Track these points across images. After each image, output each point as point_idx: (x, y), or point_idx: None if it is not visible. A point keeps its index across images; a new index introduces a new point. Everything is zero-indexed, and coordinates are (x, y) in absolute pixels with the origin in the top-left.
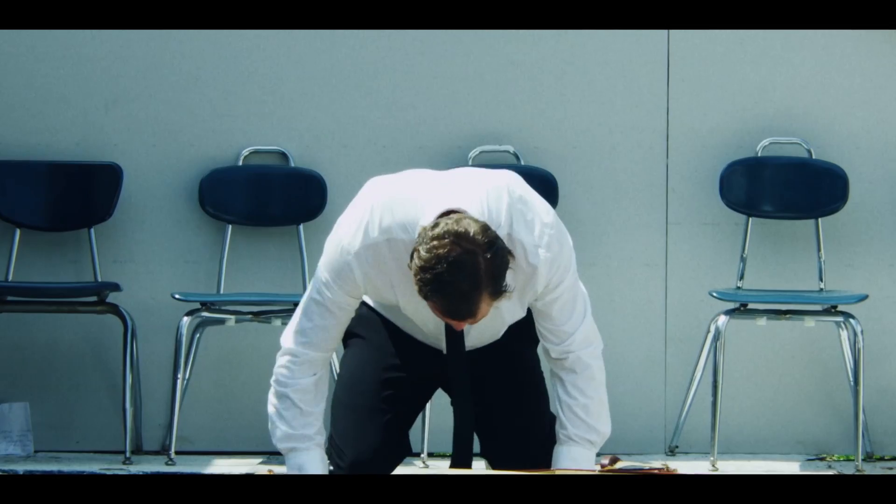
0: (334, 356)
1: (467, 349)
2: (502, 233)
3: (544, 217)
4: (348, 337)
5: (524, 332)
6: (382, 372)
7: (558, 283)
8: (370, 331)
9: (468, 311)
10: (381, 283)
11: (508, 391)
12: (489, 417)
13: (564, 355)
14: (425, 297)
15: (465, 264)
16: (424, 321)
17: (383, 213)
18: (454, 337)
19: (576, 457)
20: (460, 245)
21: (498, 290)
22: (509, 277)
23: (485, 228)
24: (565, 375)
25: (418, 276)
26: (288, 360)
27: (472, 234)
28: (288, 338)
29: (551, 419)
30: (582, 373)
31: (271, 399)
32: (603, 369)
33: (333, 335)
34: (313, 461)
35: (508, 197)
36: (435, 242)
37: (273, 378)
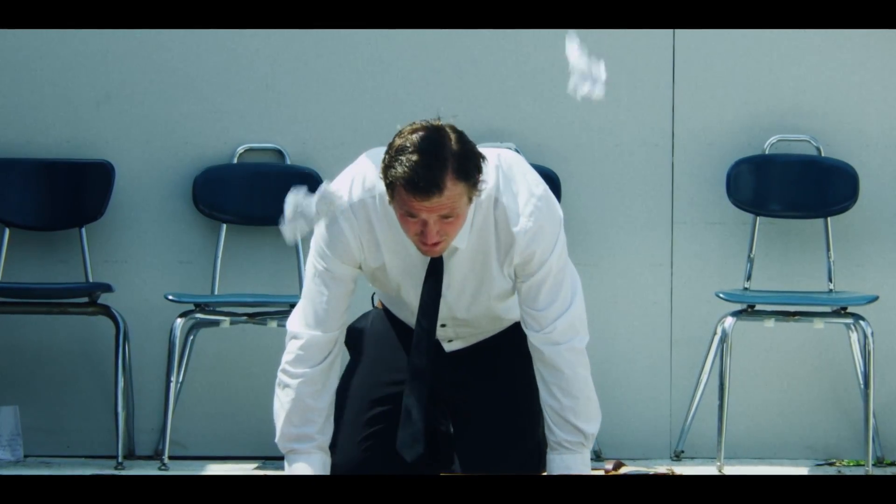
0: None
1: (458, 326)
2: (489, 195)
3: (534, 188)
4: (349, 344)
5: (523, 349)
6: (373, 388)
7: (542, 263)
8: (367, 346)
9: (433, 180)
10: (370, 241)
11: (494, 405)
12: (469, 429)
13: (544, 346)
14: (392, 182)
15: (431, 139)
16: (413, 283)
17: (367, 173)
18: (433, 272)
19: (570, 465)
20: (429, 127)
21: (465, 172)
22: (492, 243)
23: (454, 126)
24: (547, 374)
25: (386, 161)
26: (294, 345)
27: (442, 125)
28: (293, 321)
29: (538, 441)
30: (564, 371)
31: (276, 392)
32: (587, 364)
33: (336, 310)
34: (311, 467)
35: (497, 163)
36: (406, 130)
37: (280, 368)
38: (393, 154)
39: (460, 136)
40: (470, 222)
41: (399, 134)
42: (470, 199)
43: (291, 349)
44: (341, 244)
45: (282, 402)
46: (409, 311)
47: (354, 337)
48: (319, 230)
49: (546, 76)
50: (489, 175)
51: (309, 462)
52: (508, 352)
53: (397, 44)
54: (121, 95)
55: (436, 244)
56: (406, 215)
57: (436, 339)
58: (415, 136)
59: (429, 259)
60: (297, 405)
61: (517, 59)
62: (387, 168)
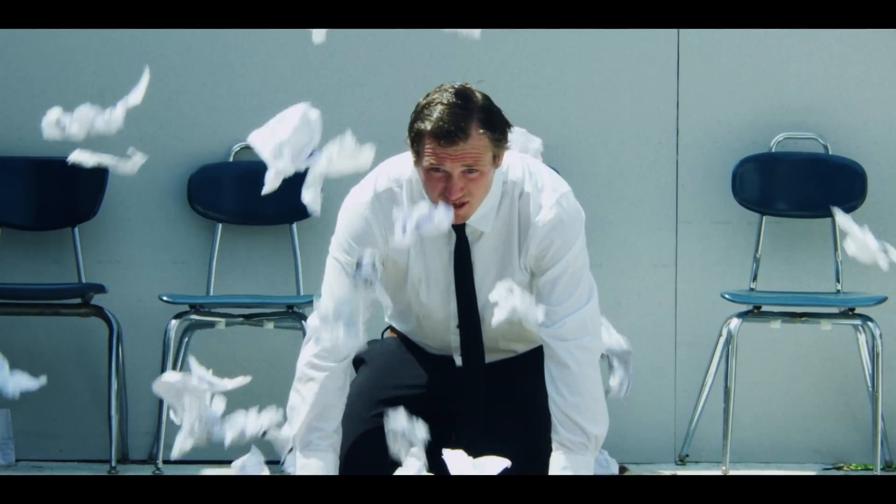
0: None
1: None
2: (515, 184)
3: (557, 185)
4: (357, 364)
5: (537, 372)
6: (381, 389)
7: (560, 258)
8: (375, 358)
9: (458, 126)
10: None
11: (499, 410)
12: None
13: (554, 341)
14: (419, 133)
15: (458, 94)
16: (434, 278)
17: (391, 168)
18: (460, 257)
19: (571, 465)
20: (455, 86)
21: (491, 124)
22: (514, 233)
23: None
24: (555, 370)
25: (412, 119)
26: (319, 340)
27: (469, 86)
28: (315, 318)
29: (541, 450)
30: (570, 367)
31: (296, 387)
32: (596, 366)
33: (359, 308)
34: (325, 465)
35: (524, 160)
36: (433, 91)
37: (303, 363)
38: (419, 111)
39: (487, 96)
40: (496, 208)
41: (425, 96)
42: (495, 159)
43: (312, 349)
44: (368, 237)
45: (303, 396)
46: (424, 323)
47: (363, 356)
48: (344, 224)
49: (549, 74)
50: (516, 168)
51: (323, 460)
52: (520, 370)
53: (396, 43)
54: (114, 93)
55: (460, 207)
56: (430, 170)
57: (448, 355)
58: (442, 93)
59: (453, 249)
60: (321, 399)
61: (519, 57)
62: (412, 123)
